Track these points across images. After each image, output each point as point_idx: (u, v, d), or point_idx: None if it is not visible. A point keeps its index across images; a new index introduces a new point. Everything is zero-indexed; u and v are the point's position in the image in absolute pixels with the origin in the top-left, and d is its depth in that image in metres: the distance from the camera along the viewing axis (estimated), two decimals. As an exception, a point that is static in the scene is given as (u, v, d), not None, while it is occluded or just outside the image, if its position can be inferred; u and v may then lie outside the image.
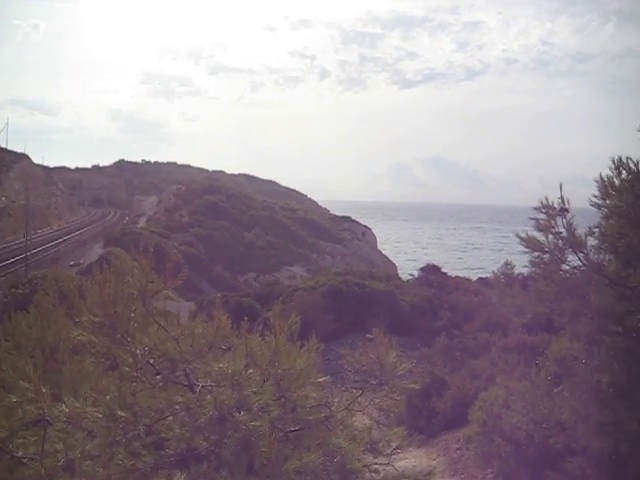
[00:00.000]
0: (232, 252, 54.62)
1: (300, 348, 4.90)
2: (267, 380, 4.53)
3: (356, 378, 5.77)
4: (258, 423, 4.26)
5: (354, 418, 5.87)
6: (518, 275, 18.69)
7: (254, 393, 4.35)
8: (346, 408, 5.59)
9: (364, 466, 5.37)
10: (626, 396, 6.66)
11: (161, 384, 4.47)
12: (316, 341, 5.23)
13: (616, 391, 6.87)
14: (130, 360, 4.39)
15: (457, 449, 12.43)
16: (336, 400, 5.63)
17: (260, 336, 4.79)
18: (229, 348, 4.72)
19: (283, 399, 4.65)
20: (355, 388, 5.87)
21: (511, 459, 9.51)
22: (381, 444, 5.43)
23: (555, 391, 8.21)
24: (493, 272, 26.68)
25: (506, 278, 23.36)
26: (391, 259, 51.20)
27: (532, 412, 8.49)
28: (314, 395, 5.00)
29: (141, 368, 4.42)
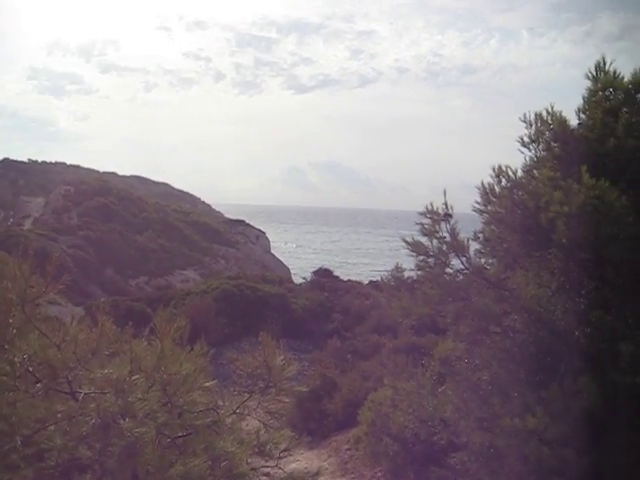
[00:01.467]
0: (123, 255, 53.12)
1: (188, 352, 4.87)
2: (152, 386, 4.47)
3: (245, 382, 5.78)
4: (143, 430, 4.20)
5: (246, 422, 5.88)
6: (408, 278, 19.24)
7: (139, 399, 4.28)
8: (234, 412, 5.59)
9: (252, 469, 5.39)
10: (503, 393, 7.00)
11: (41, 393, 4.32)
12: (205, 345, 5.21)
13: (494, 388, 7.21)
14: (8, 368, 4.22)
15: (347, 449, 12.66)
16: (225, 404, 5.62)
17: (146, 341, 4.72)
18: (114, 354, 4.62)
19: (169, 405, 4.60)
20: (244, 392, 5.88)
21: (398, 457, 9.79)
22: (269, 447, 5.47)
23: (439, 390, 8.52)
24: (381, 276, 27.37)
25: (396, 281, 24.05)
26: (284, 263, 51.35)
27: (418, 411, 8.78)
28: (202, 400, 4.98)
29: (20, 376, 4.26)
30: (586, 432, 6.48)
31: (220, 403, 5.57)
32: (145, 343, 4.69)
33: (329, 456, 12.96)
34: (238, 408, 5.62)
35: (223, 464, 4.76)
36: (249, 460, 5.40)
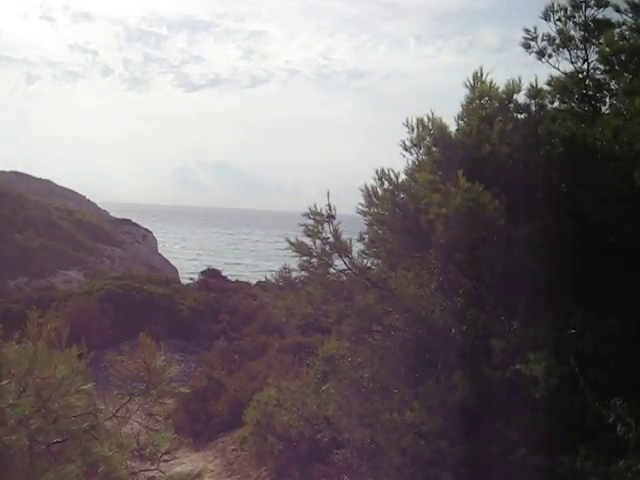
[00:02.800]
0: (2, 255, 50.48)
1: (64, 355, 4.71)
2: (25, 390, 4.29)
3: (126, 384, 5.66)
4: (15, 437, 4.03)
5: (130, 426, 5.76)
6: (295, 279, 19.32)
7: (10, 405, 4.11)
8: (114, 415, 5.46)
9: (132, 474, 5.28)
10: (383, 389, 7.21)
11: None
12: (85, 347, 5.06)
13: (375, 385, 7.41)
14: None
15: (233, 450, 12.61)
16: (105, 408, 5.48)
17: (18, 344, 4.53)
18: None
19: (44, 410, 4.44)
20: (125, 394, 5.75)
21: (283, 456, 9.85)
22: (149, 450, 5.37)
23: (323, 388, 8.65)
24: (266, 276, 27.46)
25: (284, 282, 24.16)
26: (172, 263, 50.39)
27: (302, 410, 8.88)
28: (79, 404, 4.82)
29: None
30: (460, 424, 6.78)
31: (101, 407, 5.42)
32: (17, 346, 4.50)
33: (215, 457, 12.87)
34: (118, 411, 5.49)
35: (100, 469, 4.64)
36: (129, 464, 5.29)
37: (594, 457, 5.87)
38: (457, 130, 8.36)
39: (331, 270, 7.65)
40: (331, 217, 7.37)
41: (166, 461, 5.75)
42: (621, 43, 7.51)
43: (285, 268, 23.82)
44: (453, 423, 6.73)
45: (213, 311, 23.27)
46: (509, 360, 6.76)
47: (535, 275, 7.65)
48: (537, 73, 8.37)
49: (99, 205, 69.17)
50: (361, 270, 7.58)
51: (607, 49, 7.23)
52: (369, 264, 9.43)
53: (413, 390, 6.86)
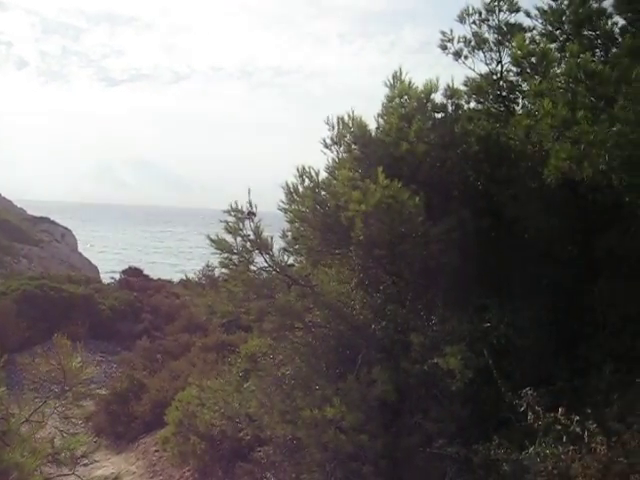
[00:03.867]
0: None
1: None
2: None
3: (45, 387, 5.52)
4: None
5: (47, 430, 5.61)
6: (219, 277, 19.20)
7: None
8: (27, 420, 5.31)
9: (46, 479, 5.15)
10: (305, 386, 7.25)
11: None
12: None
13: (297, 382, 7.45)
14: None
15: (155, 451, 12.45)
16: (17, 412, 5.32)
17: None
18: None
19: (-52, 416, 4.28)
20: (40, 397, 5.61)
21: (206, 455, 9.79)
22: (64, 454, 5.25)
23: (244, 386, 8.64)
24: (186, 274, 27.19)
25: (207, 279, 23.96)
26: (93, 262, 49.16)
27: (224, 408, 8.84)
28: (-11, 409, 4.69)
29: None
30: (380, 418, 6.89)
31: (14, 411, 5.27)
32: None
33: (137, 459, 12.68)
34: (32, 415, 5.34)
35: (12, 476, 4.51)
36: (44, 470, 5.16)
37: (507, 445, 6.07)
38: (377, 128, 8.48)
39: (252, 267, 7.64)
40: (252, 214, 7.36)
41: (85, 465, 5.64)
42: (532, 47, 7.76)
43: (208, 266, 23.63)
44: (373, 417, 6.83)
45: (135, 310, 22.90)
46: (427, 354, 6.90)
47: (452, 270, 7.84)
48: (456, 73, 8.61)
49: (15, 203, 66.72)
50: (282, 267, 7.59)
51: (518, 52, 7.46)
52: (292, 261, 9.48)
53: (334, 386, 6.92)
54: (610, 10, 8.02)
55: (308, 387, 7.25)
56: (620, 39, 7.70)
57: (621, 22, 8.10)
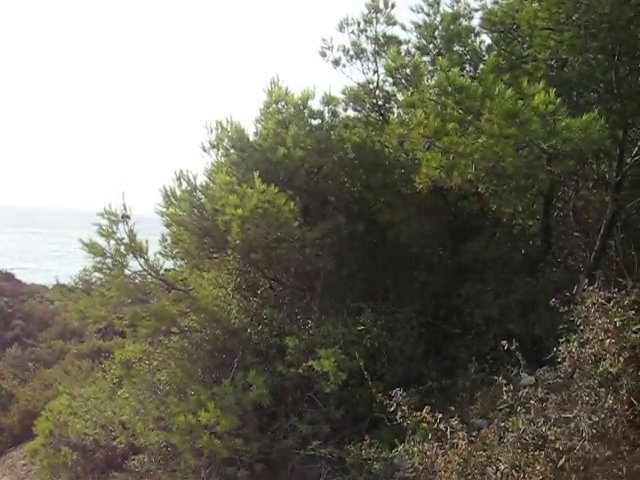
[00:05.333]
0: None
1: None
2: None
3: None
4: None
5: None
6: (96, 281, 18.56)
7: None
8: None
9: None
10: (180, 391, 7.17)
11: None
12: None
13: (172, 387, 7.35)
14: None
15: (24, 465, 11.88)
16: None
17: None
18: None
19: None
20: None
21: (78, 466, 9.45)
22: None
23: (118, 393, 8.42)
24: (57, 279, 26.16)
25: (84, 284, 23.08)
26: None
27: (97, 416, 8.58)
28: None
29: None
30: (255, 422, 6.91)
31: None
32: None
33: (3, 475, 12.04)
34: None
35: None
36: None
37: (378, 444, 6.25)
38: (255, 133, 8.52)
39: (126, 272, 7.47)
40: (126, 217, 7.20)
41: None
42: (406, 59, 8.04)
43: (85, 270, 22.81)
44: (249, 421, 6.84)
45: (5, 317, 21.75)
46: (302, 357, 7.00)
47: (328, 274, 8.01)
48: (342, 81, 8.75)
49: None
50: (157, 271, 7.47)
51: (392, 63, 7.71)
52: (171, 265, 9.35)
53: (209, 391, 6.87)
54: (478, 29, 8.44)
55: (183, 392, 7.17)
56: (486, 56, 8.11)
57: (488, 40, 8.56)
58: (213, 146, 8.29)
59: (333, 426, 6.94)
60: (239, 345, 7.35)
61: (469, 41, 8.26)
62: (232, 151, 8.16)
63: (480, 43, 8.45)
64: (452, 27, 8.33)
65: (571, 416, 4.63)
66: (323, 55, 9.09)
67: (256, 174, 7.22)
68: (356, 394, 7.05)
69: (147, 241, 7.33)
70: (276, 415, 7.12)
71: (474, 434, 5.11)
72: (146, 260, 7.35)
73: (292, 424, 6.94)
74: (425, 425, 5.36)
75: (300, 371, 6.91)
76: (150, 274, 7.42)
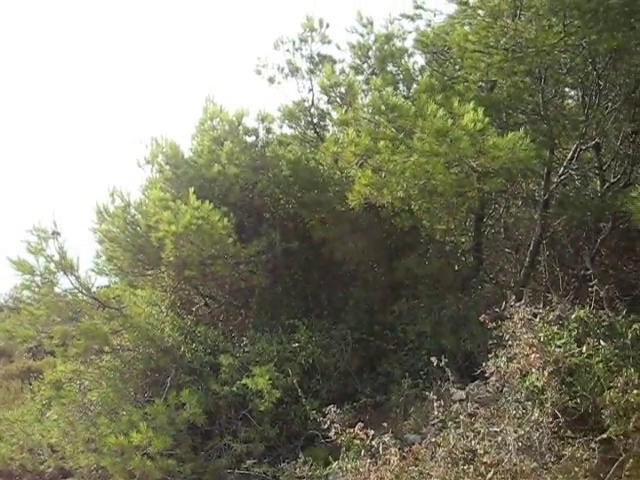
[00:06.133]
0: None
1: None
2: None
3: None
4: None
5: None
6: (27, 299, 17.98)
7: None
8: None
9: None
10: (111, 411, 7.02)
11: None
12: None
13: (103, 408, 7.19)
14: None
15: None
16: None
17: None
18: None
19: None
20: None
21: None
22: None
23: (47, 415, 8.18)
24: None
25: (15, 302, 22.36)
26: None
27: (24, 440, 8.29)
28: None
29: None
30: (189, 441, 6.81)
31: None
32: None
33: None
34: None
35: None
36: None
37: (312, 462, 6.22)
38: (191, 149, 8.48)
39: (56, 289, 7.29)
40: (56, 234, 7.03)
41: None
42: (341, 77, 8.13)
43: (16, 287, 21.98)
44: (182, 441, 6.74)
45: None
46: (237, 375, 6.95)
47: (263, 291, 7.99)
48: (280, 99, 8.76)
49: None
50: (88, 289, 7.31)
51: (326, 81, 7.79)
52: (106, 282, 9.17)
53: (141, 411, 6.75)
54: (411, 50, 8.62)
55: (115, 413, 7.02)
56: (420, 76, 8.27)
57: (421, 61, 8.75)
58: (148, 162, 8.22)
59: (268, 444, 6.91)
60: (172, 364, 7.25)
61: (402, 61, 8.40)
62: (166, 167, 8.09)
63: (413, 64, 8.63)
64: (386, 47, 8.48)
65: (498, 430, 4.72)
66: (258, 73, 9.10)
67: (191, 190, 7.17)
68: (291, 411, 7.04)
69: (78, 258, 7.18)
70: (210, 434, 7.03)
71: (407, 450, 5.16)
72: (77, 278, 7.18)
73: (226, 443, 6.87)
74: (358, 442, 5.38)
75: (234, 389, 6.86)
76: (81, 292, 7.25)
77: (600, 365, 4.94)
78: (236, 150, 7.89)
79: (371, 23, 8.76)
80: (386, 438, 5.17)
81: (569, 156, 8.02)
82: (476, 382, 6.25)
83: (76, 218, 8.67)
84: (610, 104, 7.88)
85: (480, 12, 7.33)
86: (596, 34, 6.69)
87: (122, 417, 6.82)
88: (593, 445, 4.60)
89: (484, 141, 6.04)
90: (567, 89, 8.66)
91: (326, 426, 5.67)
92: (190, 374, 7.19)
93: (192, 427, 6.84)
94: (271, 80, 9.02)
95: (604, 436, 4.64)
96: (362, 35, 8.80)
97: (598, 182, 8.27)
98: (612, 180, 8.01)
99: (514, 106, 8.11)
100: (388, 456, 5.06)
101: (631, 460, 4.41)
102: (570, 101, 9.00)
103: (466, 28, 7.34)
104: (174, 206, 7.21)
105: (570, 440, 4.69)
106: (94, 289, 7.56)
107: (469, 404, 5.47)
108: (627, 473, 4.39)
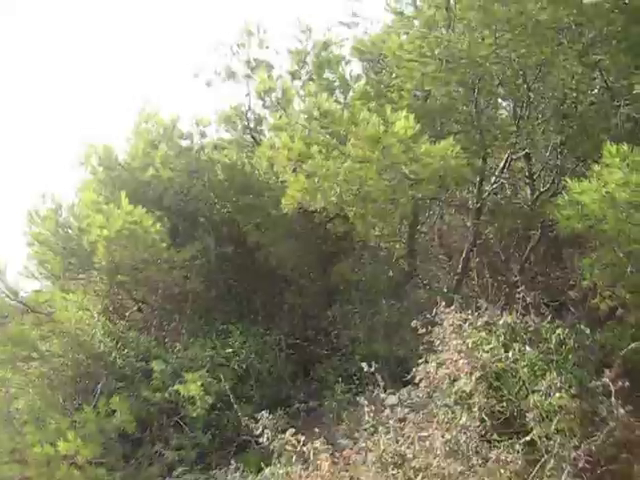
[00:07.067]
0: None
1: None
2: None
3: None
4: None
5: None
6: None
7: None
8: None
9: None
10: (38, 420, 6.82)
11: None
12: None
13: (30, 416, 6.97)
14: None
15: None
16: None
17: None
18: None
19: None
20: None
21: None
22: None
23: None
24: None
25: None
26: None
27: None
28: None
29: None
30: (119, 449, 6.68)
31: None
32: None
33: None
34: None
35: None
36: None
37: (244, 468, 6.18)
38: (126, 152, 8.34)
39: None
40: (-17, 237, 6.83)
41: None
42: (277, 82, 8.13)
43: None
44: (112, 449, 6.61)
45: None
46: (169, 381, 6.87)
47: (197, 296, 7.93)
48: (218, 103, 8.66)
49: None
50: (16, 293, 7.13)
51: (262, 86, 7.80)
52: (37, 286, 8.92)
53: (70, 419, 6.60)
54: (348, 57, 8.68)
55: (42, 421, 6.82)
56: (356, 83, 8.33)
57: (357, 69, 8.82)
58: (81, 163, 8.05)
59: (200, 451, 6.82)
60: (103, 370, 7.12)
61: (339, 68, 8.44)
62: (100, 169, 7.95)
63: (350, 71, 8.67)
64: (323, 54, 8.51)
65: (427, 434, 4.79)
66: (196, 76, 9.02)
67: (123, 194, 7.06)
68: (224, 418, 6.98)
69: (6, 262, 6.99)
70: (141, 442, 6.91)
71: (338, 455, 5.19)
72: (4, 281, 6.99)
73: (158, 450, 6.77)
74: (290, 448, 5.37)
75: (166, 395, 6.77)
76: (8, 296, 7.06)
77: (525, 369, 5.05)
78: (171, 154, 7.82)
79: (309, 30, 8.77)
80: (317, 444, 5.18)
81: (501, 165, 8.21)
82: (408, 387, 6.32)
83: (5, 220, 8.45)
84: (540, 116, 8.07)
85: (416, 22, 7.46)
86: (525, 48, 6.85)
87: (49, 426, 6.63)
88: (518, 447, 4.71)
89: (416, 148, 6.13)
90: (499, 100, 8.83)
91: (259, 432, 5.64)
92: (121, 380, 7.06)
93: (123, 435, 6.71)
94: (208, 84, 8.93)
95: (528, 438, 4.75)
96: (300, 41, 8.80)
97: (528, 191, 8.47)
98: (541, 189, 8.20)
99: (448, 115, 8.23)
100: (319, 461, 5.08)
101: (552, 461, 4.53)
102: (502, 112, 9.19)
103: (402, 37, 7.43)
104: (107, 209, 7.09)
105: (496, 443, 4.80)
106: (23, 293, 7.40)
107: (400, 409, 5.52)
108: (548, 473, 4.50)
